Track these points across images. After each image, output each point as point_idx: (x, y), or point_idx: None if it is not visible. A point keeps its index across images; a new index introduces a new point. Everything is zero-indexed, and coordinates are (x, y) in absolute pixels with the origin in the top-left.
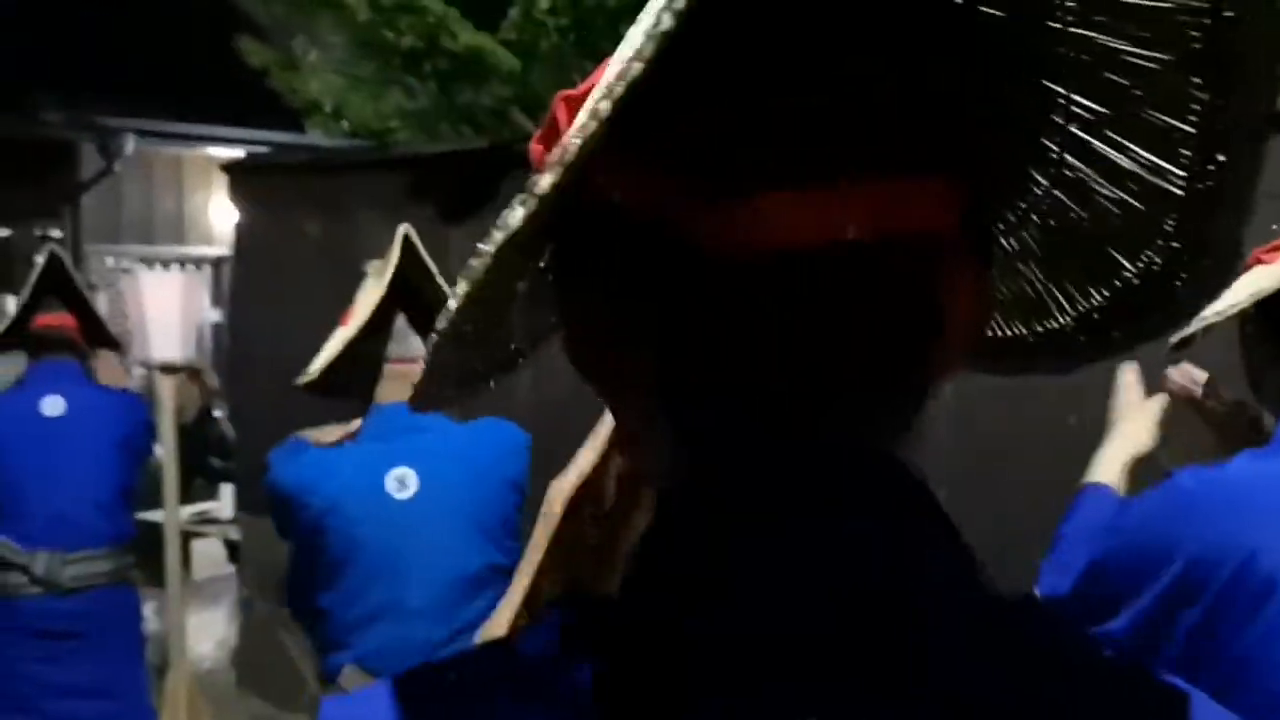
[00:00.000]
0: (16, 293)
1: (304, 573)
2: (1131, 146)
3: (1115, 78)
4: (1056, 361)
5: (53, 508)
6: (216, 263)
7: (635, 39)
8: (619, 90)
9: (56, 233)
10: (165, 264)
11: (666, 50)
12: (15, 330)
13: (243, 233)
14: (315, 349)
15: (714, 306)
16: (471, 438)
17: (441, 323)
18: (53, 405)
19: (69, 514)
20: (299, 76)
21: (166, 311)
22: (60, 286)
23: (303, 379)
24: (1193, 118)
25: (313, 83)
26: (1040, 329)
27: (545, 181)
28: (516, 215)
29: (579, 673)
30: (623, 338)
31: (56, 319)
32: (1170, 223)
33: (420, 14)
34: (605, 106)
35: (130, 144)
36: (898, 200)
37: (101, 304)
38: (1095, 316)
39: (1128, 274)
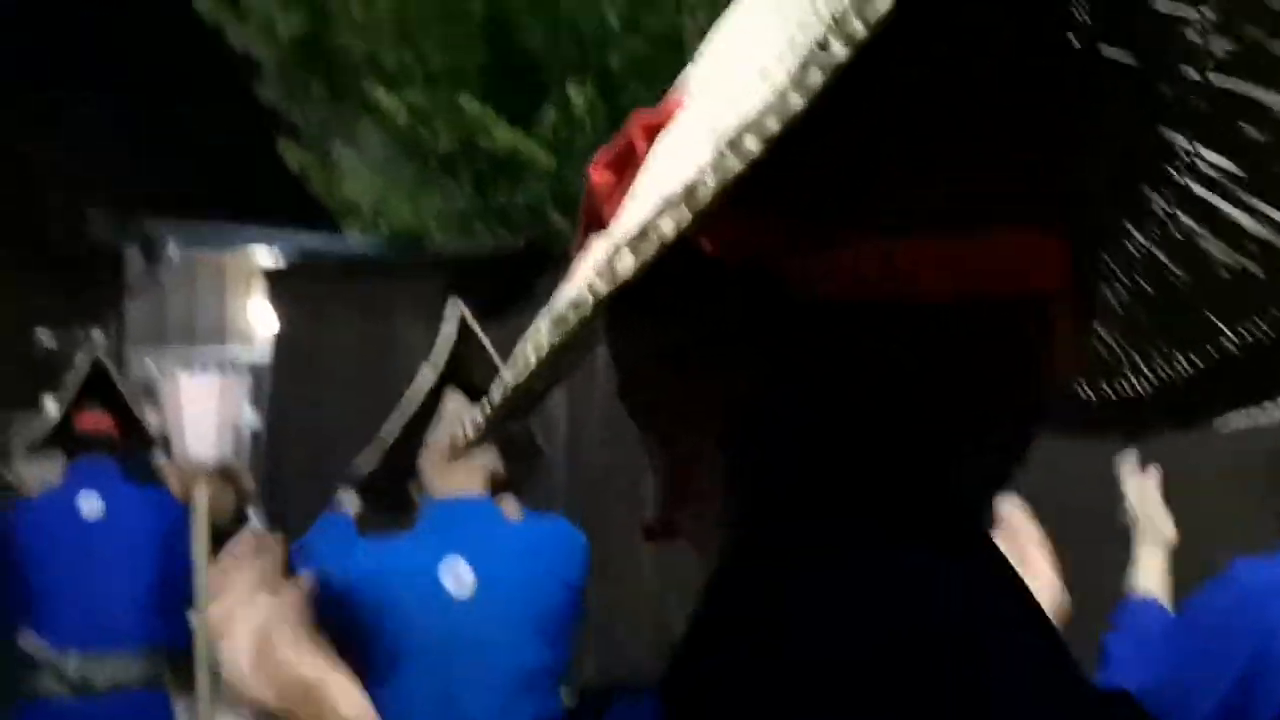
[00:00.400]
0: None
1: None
2: (1260, 207)
3: (1252, 131)
4: (1125, 429)
5: (86, 608)
6: (257, 366)
7: (772, 84)
8: (771, 127)
9: (100, 336)
10: (206, 366)
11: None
12: (58, 432)
13: (281, 336)
14: (353, 451)
15: (812, 349)
16: (531, 536)
17: (517, 377)
18: (89, 505)
19: (102, 615)
20: (337, 179)
21: (202, 412)
22: (102, 388)
23: (358, 469)
24: None
25: (351, 185)
26: (1110, 392)
27: (667, 226)
28: (626, 262)
29: None
30: (701, 376)
31: (97, 419)
32: None
33: (457, 114)
34: (754, 145)
35: (173, 248)
36: (1021, 253)
37: (144, 405)
38: (1178, 384)
39: (1226, 342)
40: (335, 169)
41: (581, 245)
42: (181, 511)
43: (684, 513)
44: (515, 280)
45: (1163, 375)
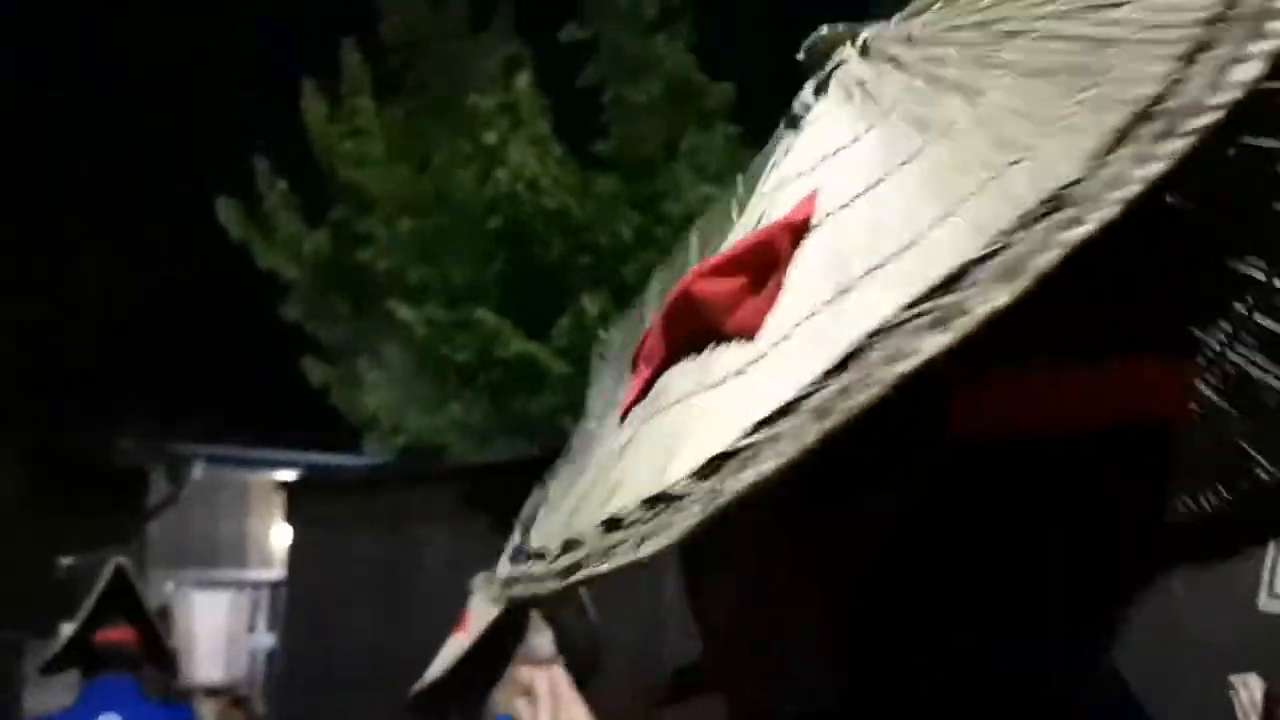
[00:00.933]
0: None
1: None
2: None
3: None
4: (1195, 550)
5: None
6: (275, 586)
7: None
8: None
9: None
10: (225, 587)
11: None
12: (75, 650)
13: (296, 550)
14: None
15: (958, 486)
16: None
17: (645, 551)
18: None
19: None
20: (358, 394)
21: (213, 632)
22: (124, 602)
23: (419, 689)
24: None
25: (371, 399)
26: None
27: (900, 368)
28: (857, 400)
29: None
30: (825, 534)
31: (118, 634)
32: None
33: (474, 327)
34: (1004, 297)
35: (198, 470)
36: (1144, 382)
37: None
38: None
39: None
40: (357, 383)
41: (665, 357)
42: None
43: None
44: (532, 489)
45: (1239, 489)
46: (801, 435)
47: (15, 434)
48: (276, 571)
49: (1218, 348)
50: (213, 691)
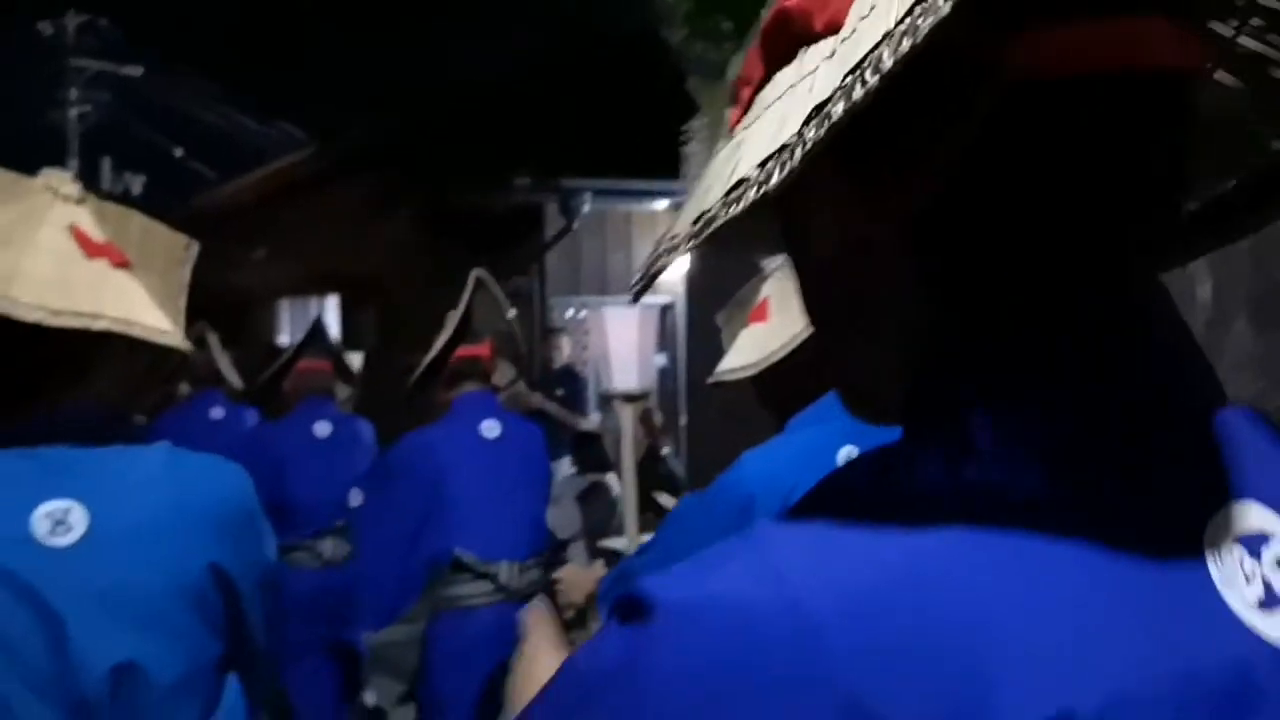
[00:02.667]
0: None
1: None
2: None
3: None
4: (1215, 231)
5: (505, 521)
6: (662, 310)
7: None
8: None
9: (482, 271)
10: (632, 305)
11: None
12: (437, 365)
13: (695, 270)
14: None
15: (1017, 130)
16: None
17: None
18: (490, 429)
19: (517, 527)
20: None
21: (626, 344)
22: (484, 312)
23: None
24: None
25: None
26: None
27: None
28: (857, 93)
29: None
30: (890, 179)
31: (471, 350)
32: None
33: None
34: None
35: (588, 203)
36: (1183, 36)
37: (565, 345)
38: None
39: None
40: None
41: (762, 76)
42: (546, 439)
43: (846, 344)
44: None
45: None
46: (880, 65)
47: (424, 181)
48: (660, 297)
49: (1230, 34)
50: (630, 398)
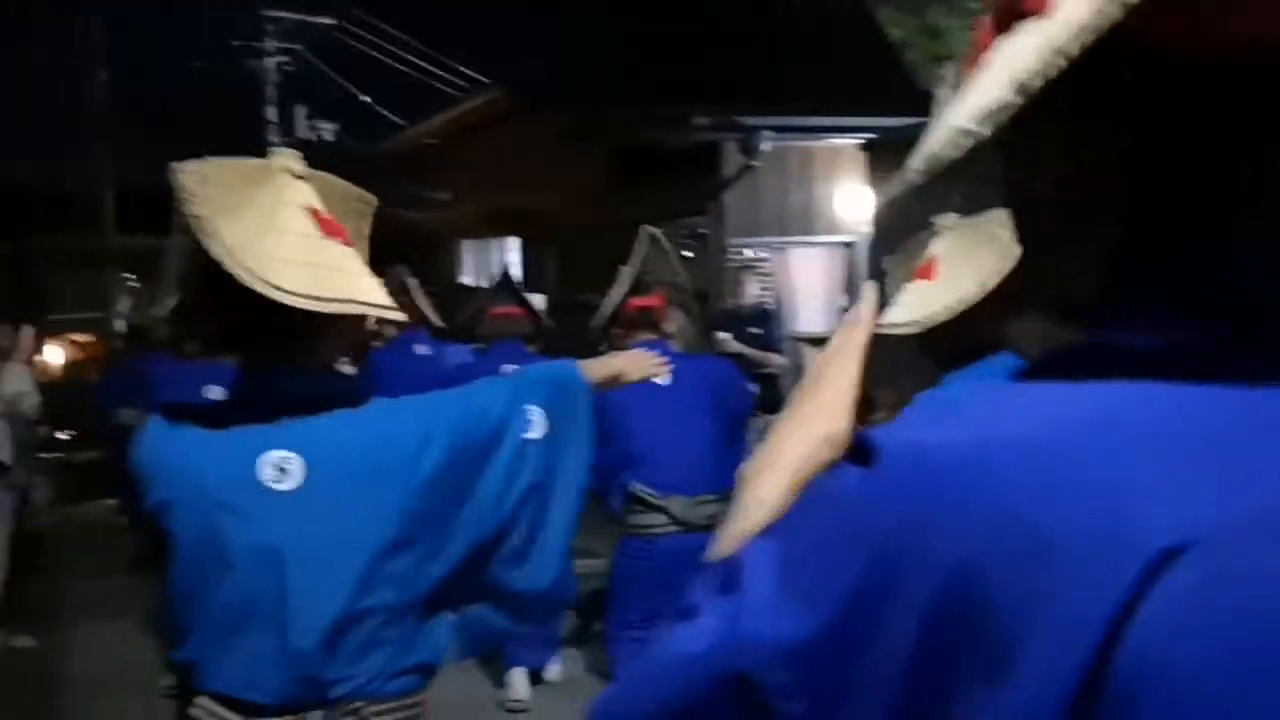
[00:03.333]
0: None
1: None
2: None
3: None
4: None
5: (679, 459)
6: (844, 247)
7: None
8: None
9: (654, 229)
10: (817, 246)
11: None
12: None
13: (882, 210)
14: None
15: (1198, 106)
16: None
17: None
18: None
19: (689, 464)
20: (942, 43)
21: (810, 287)
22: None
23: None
24: None
25: (956, 45)
26: None
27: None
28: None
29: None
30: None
31: (645, 301)
32: None
33: None
34: None
35: (767, 141)
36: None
37: (752, 285)
38: None
39: None
40: (938, 34)
41: (989, 44)
42: (734, 373)
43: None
44: None
45: None
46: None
47: (603, 121)
48: (840, 236)
49: None
50: (815, 341)
